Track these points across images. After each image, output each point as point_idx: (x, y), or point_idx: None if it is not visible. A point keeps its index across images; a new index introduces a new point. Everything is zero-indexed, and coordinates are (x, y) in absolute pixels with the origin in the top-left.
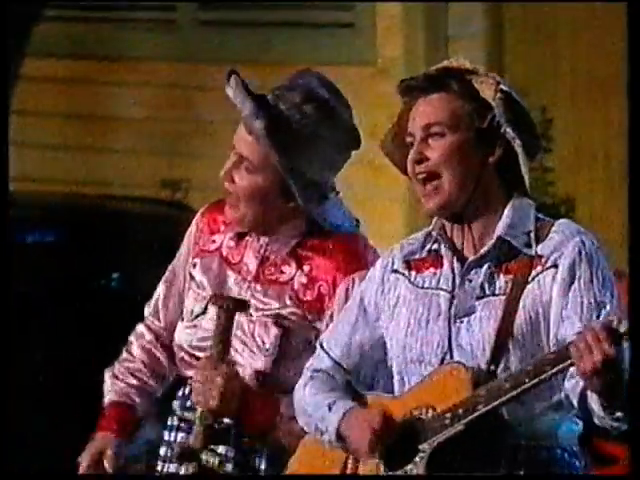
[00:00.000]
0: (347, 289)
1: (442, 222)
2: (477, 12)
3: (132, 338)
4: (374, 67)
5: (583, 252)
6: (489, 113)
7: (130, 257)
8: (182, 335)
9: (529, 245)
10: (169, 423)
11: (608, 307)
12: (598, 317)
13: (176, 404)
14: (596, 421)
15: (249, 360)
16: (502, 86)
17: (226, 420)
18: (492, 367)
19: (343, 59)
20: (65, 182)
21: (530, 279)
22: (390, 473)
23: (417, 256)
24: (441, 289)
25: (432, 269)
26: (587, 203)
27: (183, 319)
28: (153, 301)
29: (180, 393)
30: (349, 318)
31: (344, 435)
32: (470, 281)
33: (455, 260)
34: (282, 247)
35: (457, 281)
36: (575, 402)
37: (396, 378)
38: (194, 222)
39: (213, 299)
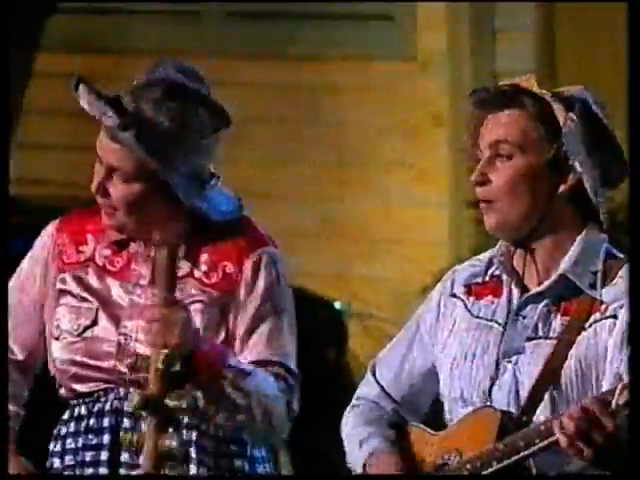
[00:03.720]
0: (255, 263)
1: (506, 246)
2: (527, 3)
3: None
4: (414, 62)
5: None
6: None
7: None
8: (69, 352)
9: (594, 286)
10: (57, 449)
11: None
12: None
13: (65, 429)
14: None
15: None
16: (575, 112)
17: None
18: (525, 418)
19: (381, 53)
20: (62, 184)
21: (587, 325)
22: None
23: (479, 280)
24: (495, 321)
25: (491, 297)
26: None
27: (62, 337)
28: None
29: (67, 416)
30: (403, 344)
31: (367, 473)
32: (524, 317)
33: (515, 290)
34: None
35: (512, 315)
36: None
37: (446, 413)
38: (46, 237)
39: (156, 239)
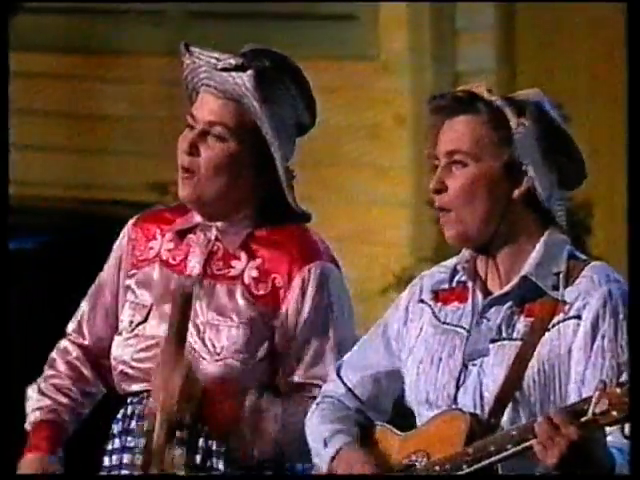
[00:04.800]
0: (303, 281)
1: (470, 252)
2: (487, 3)
3: (55, 354)
4: (377, 62)
5: (609, 305)
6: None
7: None
8: (122, 348)
9: (556, 288)
10: (109, 447)
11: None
12: (618, 383)
13: (117, 427)
14: None
15: (200, 367)
16: (527, 116)
17: (187, 422)
18: (493, 420)
19: (344, 53)
20: (49, 184)
21: (551, 326)
22: None
23: (445, 286)
24: (460, 326)
25: (457, 303)
26: (606, 207)
27: (121, 333)
28: (77, 318)
29: (120, 415)
30: (369, 346)
31: (334, 471)
32: (488, 320)
33: (479, 295)
34: (233, 239)
35: (476, 318)
36: None
37: (415, 416)
38: (124, 233)
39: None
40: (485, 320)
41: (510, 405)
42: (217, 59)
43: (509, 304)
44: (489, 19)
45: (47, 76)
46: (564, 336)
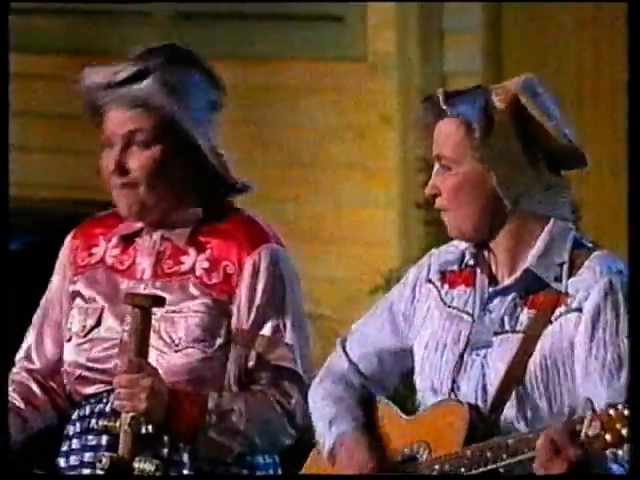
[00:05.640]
0: (254, 263)
1: None
2: (474, 4)
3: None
4: (364, 63)
5: (610, 296)
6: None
7: None
8: (76, 354)
9: (559, 279)
10: (64, 449)
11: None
12: (619, 377)
13: (73, 428)
14: None
15: (160, 361)
16: (495, 103)
17: (150, 427)
18: (493, 416)
19: (331, 54)
20: (42, 185)
21: (553, 318)
22: None
23: (454, 268)
24: (466, 312)
25: (464, 286)
26: (594, 211)
27: (70, 339)
28: (24, 348)
29: (75, 416)
30: (374, 322)
31: (335, 455)
32: (491, 312)
33: (486, 282)
34: (179, 237)
35: (480, 308)
36: None
37: (419, 398)
38: (65, 247)
39: (129, 299)
40: (488, 312)
41: (513, 399)
42: (114, 73)
43: (513, 295)
44: (476, 20)
45: (43, 78)
46: (566, 329)
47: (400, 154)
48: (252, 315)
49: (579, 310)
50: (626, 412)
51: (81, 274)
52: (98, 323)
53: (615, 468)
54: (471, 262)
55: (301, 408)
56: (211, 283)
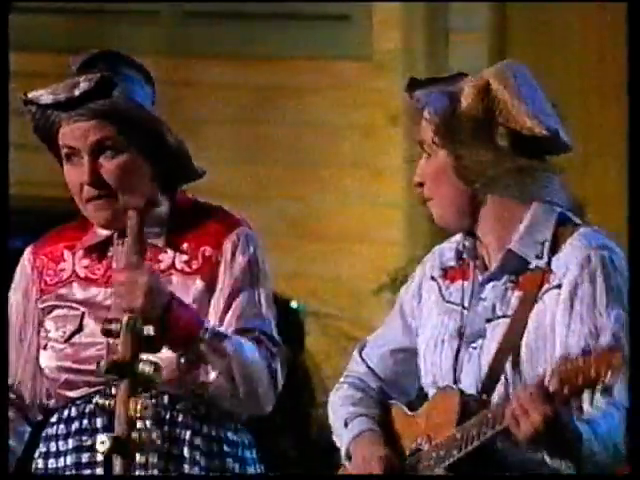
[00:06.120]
0: (233, 242)
1: None
2: (480, 4)
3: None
4: (370, 62)
5: (586, 270)
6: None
7: None
8: (57, 359)
9: (540, 257)
10: (43, 450)
11: (608, 335)
12: (566, 357)
13: (52, 430)
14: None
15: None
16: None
17: (151, 331)
18: (484, 395)
19: (337, 53)
20: (45, 184)
21: (539, 297)
22: None
23: (453, 264)
24: (462, 305)
25: (461, 281)
26: (598, 208)
27: (46, 347)
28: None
29: (55, 418)
30: (388, 324)
31: (351, 453)
32: (484, 300)
33: (478, 274)
34: (155, 237)
35: (474, 297)
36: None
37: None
38: (24, 266)
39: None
40: (482, 301)
41: (503, 380)
42: (69, 88)
43: (504, 280)
44: (482, 19)
45: (44, 76)
46: (549, 306)
47: (406, 152)
48: (230, 286)
49: (559, 287)
50: (581, 363)
51: (53, 292)
52: (80, 328)
53: (580, 426)
54: (465, 255)
55: (282, 375)
56: (192, 270)
